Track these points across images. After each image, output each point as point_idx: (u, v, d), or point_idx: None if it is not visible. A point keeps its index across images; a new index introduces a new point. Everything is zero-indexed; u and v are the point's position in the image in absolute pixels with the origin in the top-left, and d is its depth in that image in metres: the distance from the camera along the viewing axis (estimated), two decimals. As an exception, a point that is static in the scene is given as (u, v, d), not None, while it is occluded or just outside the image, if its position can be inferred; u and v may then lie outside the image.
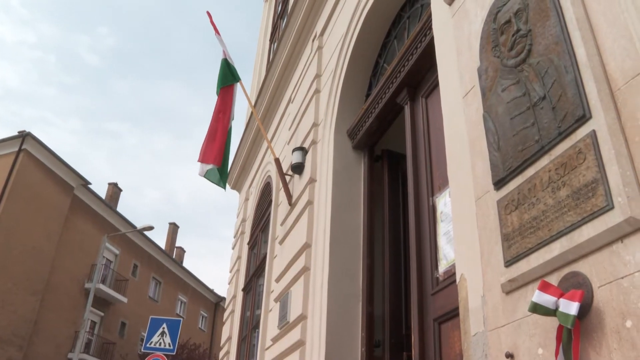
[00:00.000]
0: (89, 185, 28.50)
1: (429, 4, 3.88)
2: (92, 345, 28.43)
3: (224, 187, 7.14)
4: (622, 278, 1.74)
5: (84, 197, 28.65)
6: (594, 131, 1.92)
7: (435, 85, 3.89)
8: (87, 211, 29.02)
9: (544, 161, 2.14)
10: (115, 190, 35.06)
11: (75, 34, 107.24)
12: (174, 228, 43.16)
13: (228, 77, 6.99)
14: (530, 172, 2.21)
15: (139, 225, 27.47)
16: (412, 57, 4.25)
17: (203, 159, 6.76)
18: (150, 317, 12.03)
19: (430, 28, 3.84)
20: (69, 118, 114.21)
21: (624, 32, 1.95)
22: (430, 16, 3.79)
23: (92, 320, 28.38)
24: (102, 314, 29.54)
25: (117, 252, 31.29)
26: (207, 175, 6.87)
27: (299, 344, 4.93)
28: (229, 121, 6.93)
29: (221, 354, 9.32)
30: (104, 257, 28.46)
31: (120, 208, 34.78)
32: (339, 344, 4.49)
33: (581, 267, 1.91)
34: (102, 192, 35.26)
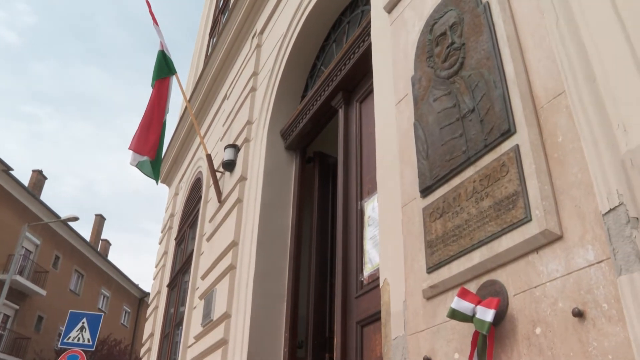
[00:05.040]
0: (11, 172, 27.16)
1: (369, 11, 3.93)
2: (3, 341, 27.05)
3: (157, 181, 7.00)
4: (535, 287, 1.81)
5: (4, 183, 27.23)
6: (517, 146, 1.99)
7: (370, 91, 3.94)
8: (6, 198, 27.52)
9: (469, 172, 2.20)
10: (39, 177, 33.59)
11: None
12: (100, 220, 41.85)
13: (164, 69, 6.84)
14: (456, 181, 2.27)
15: (62, 215, 26.43)
16: (350, 61, 4.29)
17: (136, 148, 6.56)
18: (70, 311, 11.64)
19: (368, 34, 3.89)
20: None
21: (548, 53, 2.03)
22: (369, 22, 3.83)
23: (5, 314, 27.03)
24: (17, 307, 28.07)
25: (38, 242, 29.89)
26: (139, 165, 6.69)
27: (222, 343, 4.88)
28: (163, 114, 6.78)
29: (142, 350, 9.11)
30: (23, 247, 27.18)
31: (42, 197, 33.22)
32: (262, 344, 4.47)
33: (499, 275, 1.98)
34: (23, 179, 33.63)
